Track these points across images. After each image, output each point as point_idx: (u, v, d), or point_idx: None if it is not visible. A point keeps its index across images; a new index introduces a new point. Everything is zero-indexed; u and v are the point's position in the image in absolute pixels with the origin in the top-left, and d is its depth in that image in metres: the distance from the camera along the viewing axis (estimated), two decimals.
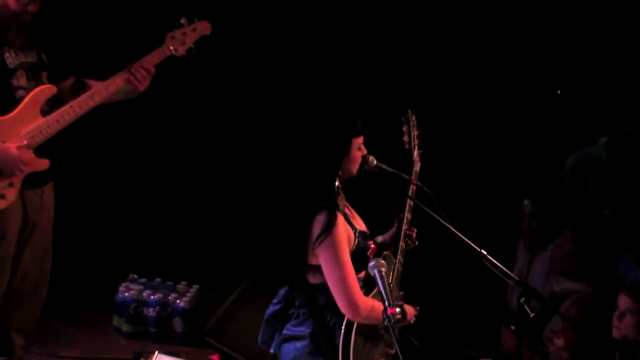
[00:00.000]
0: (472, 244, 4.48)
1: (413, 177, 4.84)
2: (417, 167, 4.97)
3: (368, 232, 4.58)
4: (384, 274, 4.16)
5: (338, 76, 7.73)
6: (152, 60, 5.57)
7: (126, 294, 6.79)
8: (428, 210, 4.55)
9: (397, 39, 7.77)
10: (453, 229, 4.51)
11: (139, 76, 5.51)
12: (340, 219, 4.37)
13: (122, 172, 7.88)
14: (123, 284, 6.89)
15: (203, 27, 5.68)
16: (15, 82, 5.46)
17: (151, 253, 7.60)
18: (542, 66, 7.72)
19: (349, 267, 4.34)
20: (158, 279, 7.02)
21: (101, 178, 7.83)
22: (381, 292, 4.10)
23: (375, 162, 4.61)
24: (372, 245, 4.53)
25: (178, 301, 6.74)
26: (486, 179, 7.63)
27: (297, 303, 4.52)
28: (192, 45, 5.65)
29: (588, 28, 7.58)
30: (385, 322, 4.05)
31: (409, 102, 6.14)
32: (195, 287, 6.97)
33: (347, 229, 4.41)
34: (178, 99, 7.83)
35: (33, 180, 5.52)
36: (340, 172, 4.44)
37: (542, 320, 5.79)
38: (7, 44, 5.41)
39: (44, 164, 5.48)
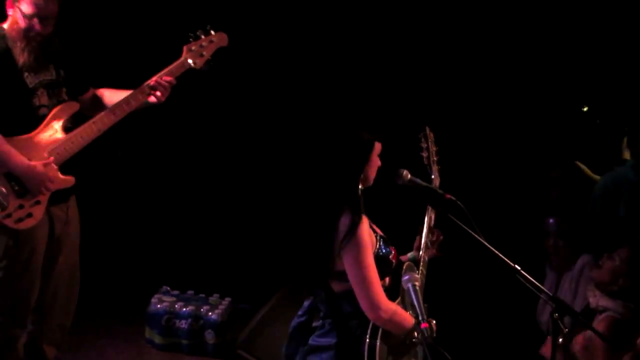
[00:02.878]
0: (506, 259, 4.48)
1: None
2: (436, 182, 4.99)
3: (385, 236, 4.61)
4: (417, 287, 4.17)
5: (361, 85, 7.76)
6: (171, 72, 5.59)
7: (158, 306, 6.82)
8: (461, 225, 4.55)
9: (425, 51, 7.79)
10: (487, 244, 4.51)
11: (160, 88, 5.54)
12: (365, 221, 4.41)
13: (156, 184, 7.92)
14: (155, 296, 6.92)
15: (220, 39, 5.70)
16: (36, 102, 5.46)
17: (184, 265, 7.63)
18: (570, 81, 7.71)
19: (372, 268, 4.36)
20: (190, 292, 7.04)
21: (135, 191, 7.87)
22: (415, 306, 4.10)
23: (409, 176, 4.64)
24: (393, 251, 4.56)
25: (210, 313, 6.76)
26: (516, 191, 7.62)
27: (321, 314, 4.54)
28: (210, 58, 5.67)
29: (619, 47, 7.56)
30: (419, 337, 4.06)
31: (438, 116, 6.17)
32: (228, 299, 6.98)
33: (370, 233, 4.44)
34: (205, 110, 7.87)
35: (58, 197, 5.55)
36: (361, 177, 4.49)
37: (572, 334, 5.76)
38: (25, 64, 5.42)
39: (69, 181, 5.50)
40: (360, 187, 4.48)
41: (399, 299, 4.51)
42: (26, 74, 5.40)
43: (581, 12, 7.56)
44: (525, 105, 7.81)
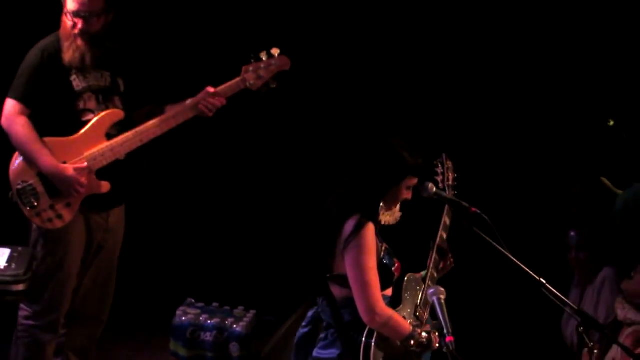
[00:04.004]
0: (531, 272, 4.47)
1: (446, 215, 4.85)
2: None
3: (390, 250, 4.64)
4: (443, 301, 4.18)
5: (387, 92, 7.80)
6: (225, 92, 5.61)
7: (183, 318, 6.83)
8: (486, 238, 4.55)
9: (449, 67, 7.82)
10: (512, 257, 4.51)
11: (210, 107, 5.56)
12: (371, 226, 4.44)
13: (181, 196, 7.95)
14: (180, 308, 6.93)
15: (282, 63, 5.68)
16: (81, 105, 5.51)
17: (209, 278, 7.65)
18: (596, 95, 7.69)
19: (373, 272, 4.40)
20: (215, 304, 7.04)
21: (161, 202, 7.89)
22: (440, 320, 4.11)
23: (434, 189, 4.66)
24: (397, 264, 4.57)
25: (235, 326, 6.76)
26: (538, 206, 7.61)
27: (324, 324, 4.55)
28: (269, 80, 5.65)
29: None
30: (444, 350, 4.06)
31: (461, 129, 6.17)
32: (252, 312, 6.98)
33: (375, 239, 4.47)
34: (229, 122, 7.90)
35: (98, 204, 5.57)
36: (386, 197, 4.53)
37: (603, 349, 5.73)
38: (72, 64, 5.47)
39: (104, 186, 5.53)
40: (381, 205, 4.50)
41: (400, 306, 4.56)
42: (74, 76, 5.46)
43: (606, 27, 7.55)
44: (551, 119, 7.79)
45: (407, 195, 4.60)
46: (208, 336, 6.79)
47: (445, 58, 7.82)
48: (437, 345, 4.53)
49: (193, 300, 7.10)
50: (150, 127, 5.54)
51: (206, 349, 6.80)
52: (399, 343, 4.48)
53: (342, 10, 7.82)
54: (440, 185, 5.05)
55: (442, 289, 4.25)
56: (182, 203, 8.03)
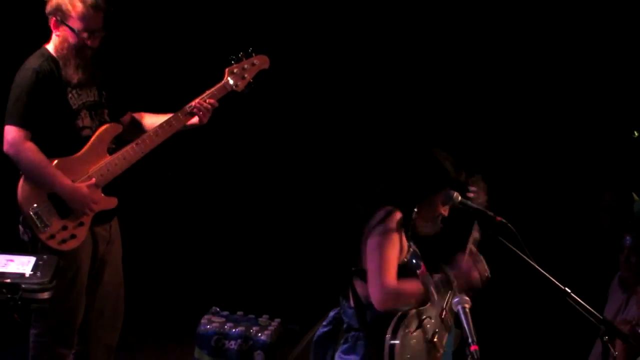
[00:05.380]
0: (556, 282, 4.46)
1: (475, 230, 4.84)
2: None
3: (419, 253, 4.64)
4: (468, 310, 4.16)
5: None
6: (213, 95, 5.64)
7: (208, 326, 6.83)
8: (512, 248, 4.53)
9: (477, 74, 7.81)
10: (537, 266, 4.49)
11: (202, 110, 5.58)
12: (398, 215, 4.44)
13: (206, 204, 7.97)
14: (205, 317, 6.93)
15: (262, 62, 5.75)
16: (80, 123, 5.52)
17: (233, 286, 7.65)
18: (621, 106, 7.67)
19: (391, 260, 4.39)
20: (240, 312, 7.05)
21: (186, 211, 7.91)
22: (465, 329, 4.09)
23: (460, 198, 4.64)
24: (422, 267, 4.56)
25: (260, 334, 6.76)
26: (568, 219, 7.58)
27: (344, 325, 4.55)
28: (252, 80, 5.70)
29: None
30: (468, 359, 4.05)
31: (491, 142, 6.14)
32: (277, 320, 6.98)
33: (403, 239, 4.47)
34: (252, 130, 7.93)
35: (102, 217, 5.59)
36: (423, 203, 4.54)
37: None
38: (69, 83, 5.48)
39: (112, 202, 5.55)
40: (415, 212, 4.50)
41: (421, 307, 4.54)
42: (70, 94, 5.46)
43: (630, 37, 7.53)
44: (580, 129, 7.77)
45: (444, 211, 4.61)
46: (233, 344, 6.78)
47: (478, 69, 7.83)
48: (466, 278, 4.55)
49: (218, 309, 7.11)
50: (147, 138, 5.56)
51: (231, 358, 6.79)
52: (427, 304, 4.49)
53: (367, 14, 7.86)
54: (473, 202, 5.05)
55: (467, 298, 4.23)
56: (207, 212, 8.04)
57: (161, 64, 7.78)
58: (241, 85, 5.70)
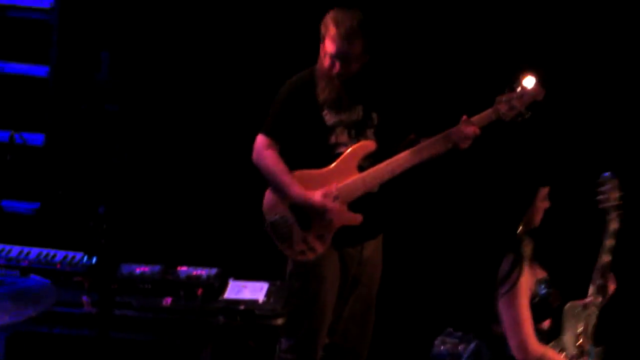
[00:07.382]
0: None
1: (609, 237, 4.70)
2: (614, 226, 4.80)
3: (548, 278, 4.62)
4: None
5: None
6: (479, 121, 5.61)
7: (442, 347, 6.82)
8: None
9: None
10: None
11: (463, 136, 5.55)
12: (522, 264, 4.57)
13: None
14: (439, 338, 6.93)
15: (535, 93, 5.64)
16: (333, 139, 5.62)
17: (466, 306, 7.61)
18: None
19: (525, 311, 4.55)
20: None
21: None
22: None
23: None
24: (554, 293, 4.52)
25: None
26: None
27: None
28: (523, 110, 5.60)
29: None
30: None
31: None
32: None
33: (528, 278, 4.58)
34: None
35: (351, 237, 5.65)
36: (523, 220, 4.60)
37: None
38: (326, 101, 5.56)
39: (356, 219, 5.60)
40: (521, 228, 4.48)
41: (553, 342, 4.67)
42: (325, 111, 5.57)
43: None
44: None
45: (546, 204, 4.55)
46: None
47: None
48: None
49: (452, 330, 7.09)
50: (401, 158, 5.58)
51: None
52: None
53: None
54: (601, 205, 5.01)
55: None
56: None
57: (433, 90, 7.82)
58: (509, 114, 5.68)
